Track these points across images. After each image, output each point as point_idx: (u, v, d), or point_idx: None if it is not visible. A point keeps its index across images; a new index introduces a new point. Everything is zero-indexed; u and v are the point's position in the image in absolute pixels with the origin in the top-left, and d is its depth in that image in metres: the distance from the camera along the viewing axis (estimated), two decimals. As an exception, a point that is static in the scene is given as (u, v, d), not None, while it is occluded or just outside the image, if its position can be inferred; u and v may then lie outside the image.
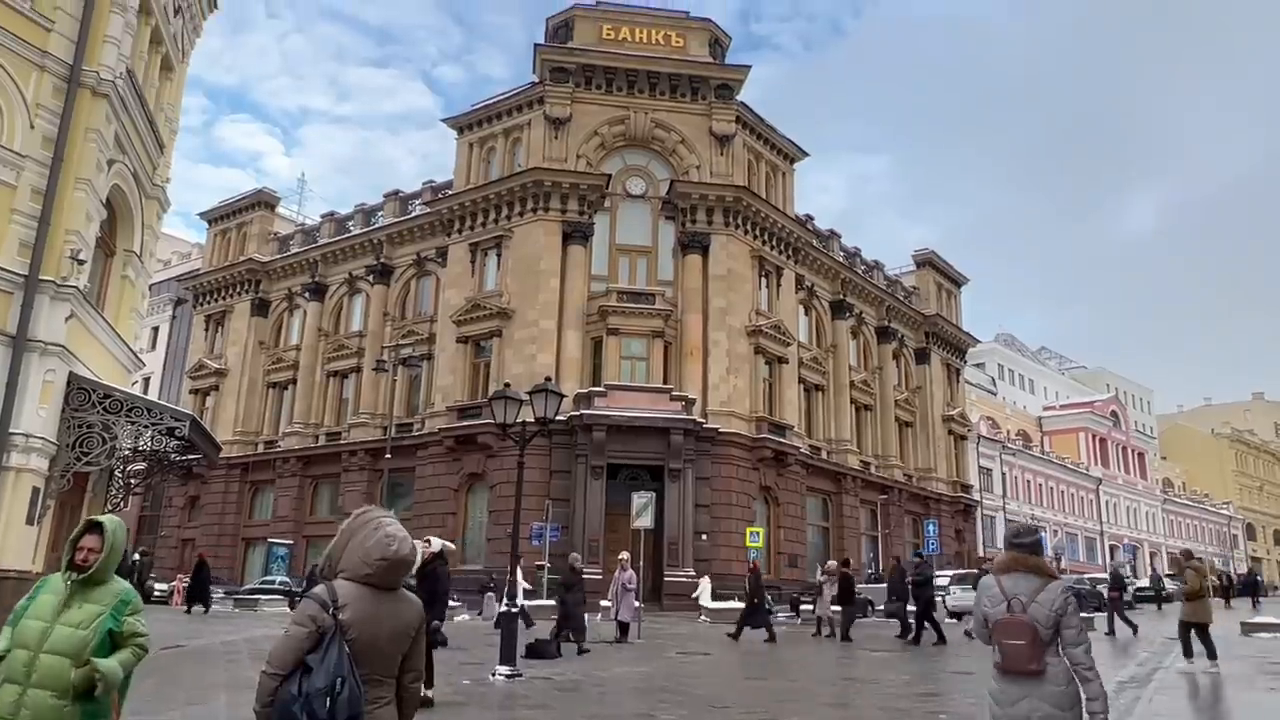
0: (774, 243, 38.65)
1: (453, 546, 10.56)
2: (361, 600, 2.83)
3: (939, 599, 30.67)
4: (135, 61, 16.65)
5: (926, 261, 52.98)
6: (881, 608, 25.49)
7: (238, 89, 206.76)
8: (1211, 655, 12.79)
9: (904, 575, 21.18)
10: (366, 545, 2.90)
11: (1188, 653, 13.04)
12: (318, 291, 43.38)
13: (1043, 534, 5.10)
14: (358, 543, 2.92)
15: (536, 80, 37.25)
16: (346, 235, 43.45)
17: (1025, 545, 4.36)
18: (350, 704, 2.67)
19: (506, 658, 11.85)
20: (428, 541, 9.47)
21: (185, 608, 27.01)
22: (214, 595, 32.48)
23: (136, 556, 27.94)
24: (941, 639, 18.41)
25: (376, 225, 42.41)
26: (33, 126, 14.32)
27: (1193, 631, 13.01)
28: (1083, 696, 4.09)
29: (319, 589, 2.86)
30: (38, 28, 14.58)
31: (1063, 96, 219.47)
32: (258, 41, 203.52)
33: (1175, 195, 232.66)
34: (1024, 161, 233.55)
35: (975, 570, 24.87)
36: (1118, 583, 23.13)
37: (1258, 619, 21.27)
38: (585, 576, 18.36)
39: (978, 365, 71.02)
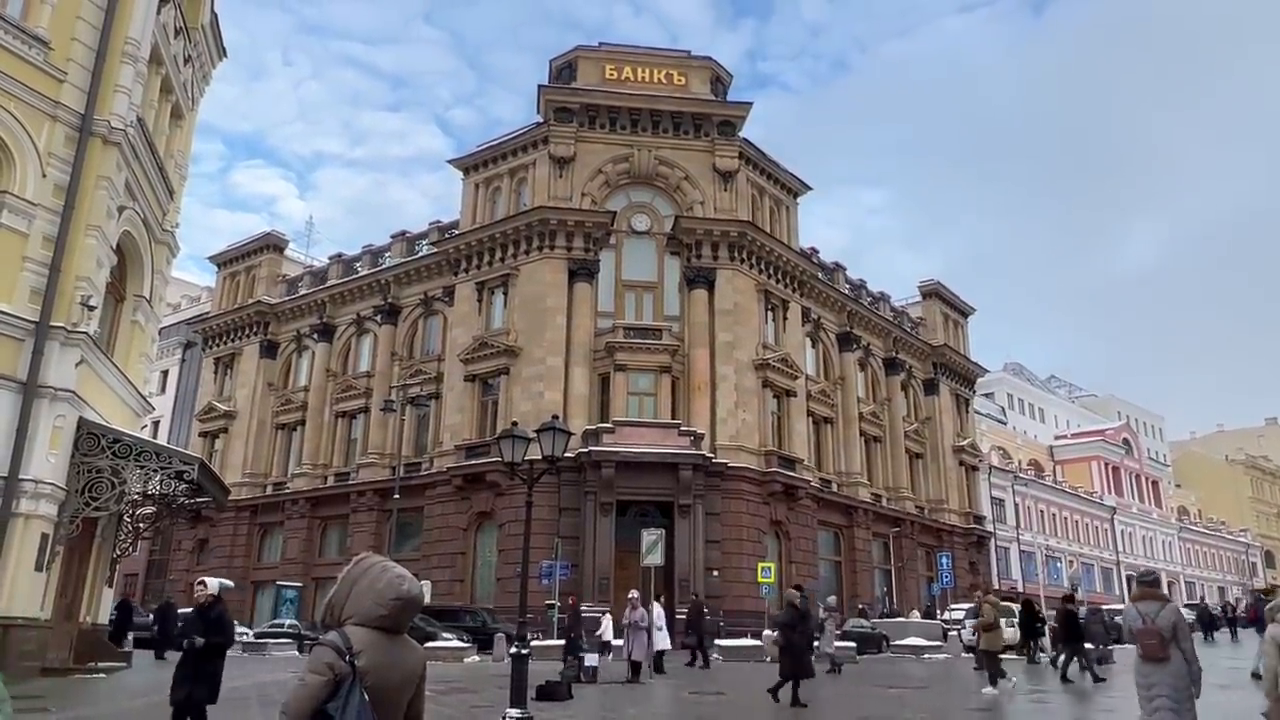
0: (779, 276, 38.77)
1: (230, 585, 9.45)
2: (375, 646, 2.79)
3: (955, 633, 30.34)
4: (145, 110, 16.89)
5: (933, 292, 52.99)
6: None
7: (253, 135, 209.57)
8: (993, 680, 15.10)
9: (702, 610, 22.75)
10: (378, 587, 2.86)
11: (1000, 677, 15.48)
12: (326, 333, 43.59)
13: (1160, 573, 8.10)
14: (365, 586, 2.88)
15: (541, 120, 37.68)
16: (354, 276, 43.76)
17: (1148, 583, 7.34)
18: None
19: (517, 700, 11.68)
20: (203, 583, 8.63)
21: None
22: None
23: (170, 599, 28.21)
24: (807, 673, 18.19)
25: (384, 266, 42.70)
26: (44, 175, 14.50)
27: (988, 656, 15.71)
28: (1189, 672, 6.79)
29: (333, 635, 2.81)
30: (50, 79, 14.82)
31: (1063, 129, 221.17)
32: (274, 89, 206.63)
33: (1179, 222, 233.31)
34: (1026, 192, 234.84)
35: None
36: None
37: None
38: (588, 615, 18.42)
39: (987, 395, 70.70)
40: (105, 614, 18.85)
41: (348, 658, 2.71)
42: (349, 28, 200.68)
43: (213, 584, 8.60)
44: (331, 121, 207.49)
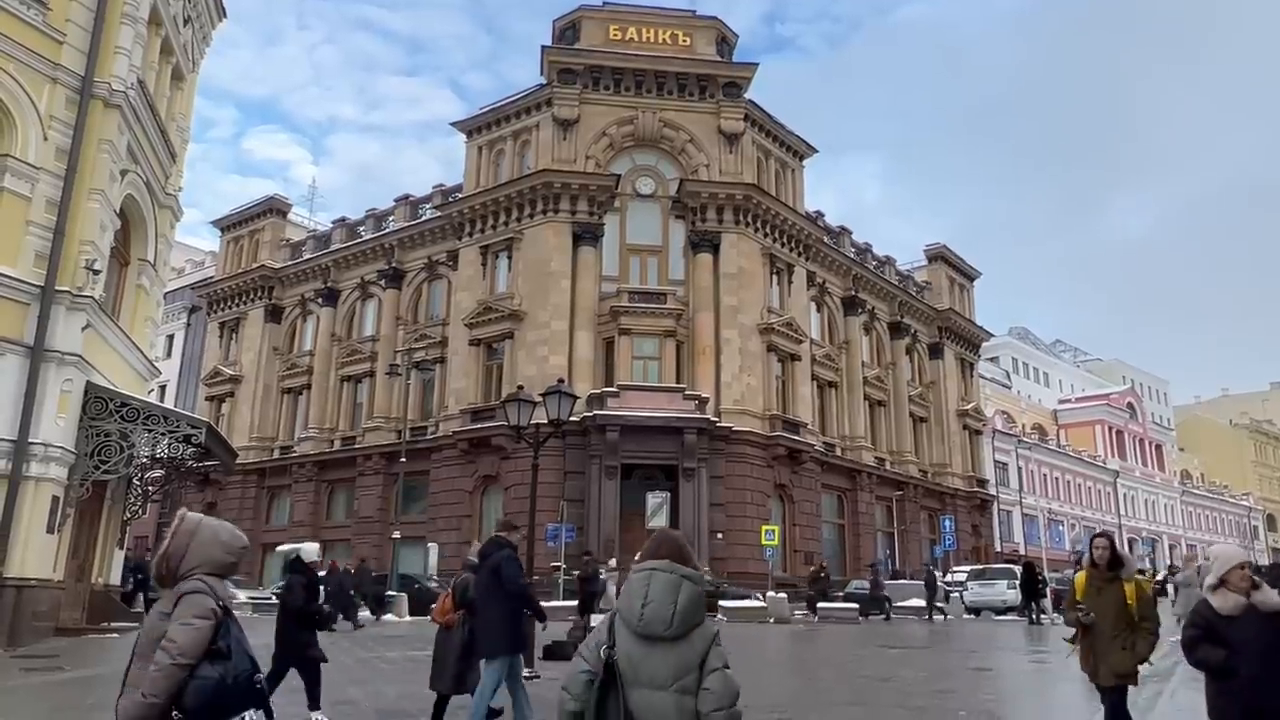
0: (784, 240, 38.55)
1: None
2: (221, 587, 3.24)
3: (956, 594, 30.64)
4: (146, 72, 16.74)
5: (938, 255, 52.68)
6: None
7: (267, 100, 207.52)
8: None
9: (370, 573, 24.08)
10: (222, 538, 3.27)
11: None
12: (330, 297, 43.56)
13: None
14: (209, 538, 3.24)
15: (544, 82, 37.26)
16: (358, 240, 43.61)
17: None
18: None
19: (525, 660, 11.83)
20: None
21: None
22: (235, 599, 32.68)
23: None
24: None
25: (388, 230, 42.54)
26: (46, 138, 14.42)
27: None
28: None
29: (199, 583, 3.12)
30: (50, 41, 14.68)
31: (1065, 95, 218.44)
32: (288, 53, 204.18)
33: (1182, 188, 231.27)
34: (1029, 159, 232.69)
35: (992, 565, 25.92)
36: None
37: None
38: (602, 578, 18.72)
39: (992, 359, 70.57)
40: (117, 575, 19.09)
41: (220, 601, 3.13)
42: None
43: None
44: (345, 86, 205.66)
